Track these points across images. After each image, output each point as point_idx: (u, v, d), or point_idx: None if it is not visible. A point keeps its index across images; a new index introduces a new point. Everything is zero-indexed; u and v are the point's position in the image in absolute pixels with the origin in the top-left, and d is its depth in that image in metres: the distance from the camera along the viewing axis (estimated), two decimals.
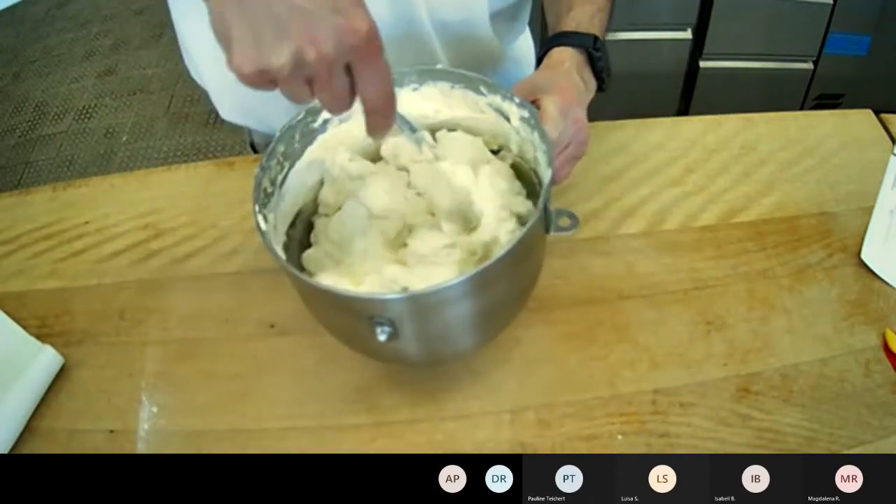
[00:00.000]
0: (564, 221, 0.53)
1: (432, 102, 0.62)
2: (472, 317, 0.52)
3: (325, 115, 0.60)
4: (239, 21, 0.38)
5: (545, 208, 0.51)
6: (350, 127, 0.62)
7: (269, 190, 0.56)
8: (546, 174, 0.53)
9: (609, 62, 0.66)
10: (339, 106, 0.42)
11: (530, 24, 0.88)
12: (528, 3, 0.83)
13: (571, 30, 0.66)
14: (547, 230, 0.54)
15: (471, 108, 0.61)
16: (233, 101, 0.82)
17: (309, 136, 0.60)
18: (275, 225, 0.56)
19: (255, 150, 0.95)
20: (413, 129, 0.55)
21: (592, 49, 0.65)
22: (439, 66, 0.60)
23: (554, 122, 0.57)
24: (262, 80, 0.39)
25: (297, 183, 0.60)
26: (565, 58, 0.64)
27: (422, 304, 0.49)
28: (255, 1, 0.38)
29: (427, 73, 0.60)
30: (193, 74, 0.85)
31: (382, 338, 0.48)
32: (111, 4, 2.64)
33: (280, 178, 0.58)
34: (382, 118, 0.44)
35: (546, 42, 0.67)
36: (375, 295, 0.52)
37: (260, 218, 0.53)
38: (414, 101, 0.61)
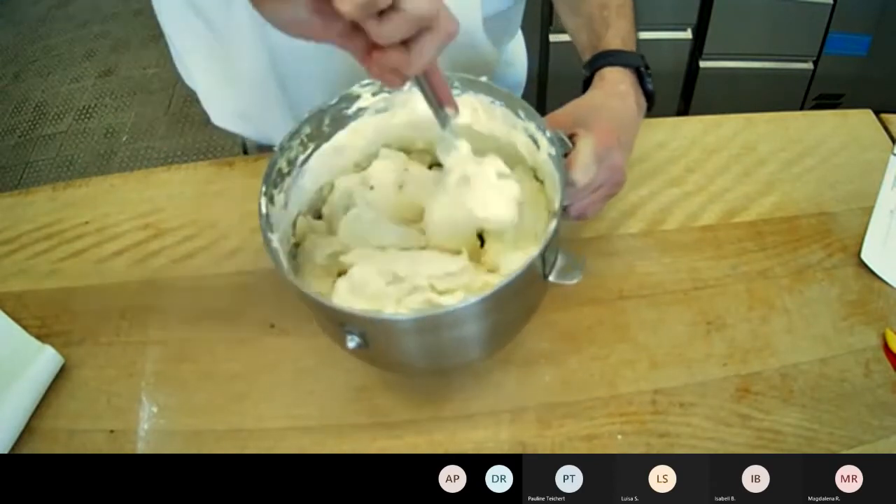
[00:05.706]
0: (569, 270, 0.51)
1: (468, 110, 0.60)
2: (445, 343, 0.51)
3: (360, 102, 0.60)
4: None
5: (542, 256, 0.48)
6: (386, 118, 0.61)
7: (286, 170, 0.56)
8: (551, 223, 0.50)
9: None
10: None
11: (522, 27, 0.88)
12: (521, 7, 0.82)
13: (617, 48, 0.62)
14: (545, 276, 0.51)
15: (506, 126, 0.59)
16: (226, 107, 0.82)
17: (341, 122, 0.60)
18: (285, 203, 0.56)
19: (246, 154, 0.95)
20: (444, 124, 0.50)
21: (643, 68, 0.62)
22: (483, 79, 0.58)
23: (584, 169, 0.54)
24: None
25: (322, 165, 0.59)
26: (621, 79, 0.60)
27: (384, 328, 0.49)
28: None
29: (469, 84, 0.58)
30: (186, 80, 0.84)
31: (351, 345, 0.48)
32: (111, 4, 2.64)
33: (301, 158, 0.58)
34: (402, 69, 0.42)
35: (592, 60, 0.63)
36: (342, 307, 0.50)
37: (264, 200, 0.52)
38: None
